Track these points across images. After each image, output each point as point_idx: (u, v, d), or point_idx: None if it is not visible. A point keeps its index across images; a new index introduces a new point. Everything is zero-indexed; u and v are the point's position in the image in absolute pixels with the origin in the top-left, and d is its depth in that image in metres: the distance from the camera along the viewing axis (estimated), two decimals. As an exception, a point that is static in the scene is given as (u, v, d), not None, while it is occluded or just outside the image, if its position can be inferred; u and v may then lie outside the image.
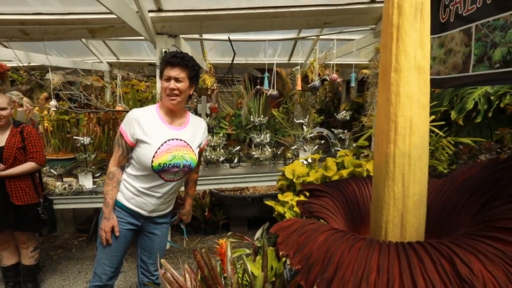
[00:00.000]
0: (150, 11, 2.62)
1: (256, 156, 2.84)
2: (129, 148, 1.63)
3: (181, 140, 1.66)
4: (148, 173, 1.62)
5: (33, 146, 2.26)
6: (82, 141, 2.75)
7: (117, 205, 1.73)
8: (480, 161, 1.23)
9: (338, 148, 2.88)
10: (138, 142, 1.60)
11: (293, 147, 2.90)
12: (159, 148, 1.59)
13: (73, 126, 3.15)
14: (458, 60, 1.86)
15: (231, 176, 2.75)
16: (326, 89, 4.94)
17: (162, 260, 1.56)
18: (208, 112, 4.87)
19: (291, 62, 5.14)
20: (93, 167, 2.84)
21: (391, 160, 1.02)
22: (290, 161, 2.92)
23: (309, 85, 3.10)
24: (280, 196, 2.21)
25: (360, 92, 5.70)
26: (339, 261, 0.77)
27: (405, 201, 1.00)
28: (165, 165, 1.59)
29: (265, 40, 4.28)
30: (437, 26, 2.06)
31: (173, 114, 1.67)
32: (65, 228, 3.46)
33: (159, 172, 1.61)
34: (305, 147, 2.80)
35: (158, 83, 2.85)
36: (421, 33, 0.99)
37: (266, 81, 3.02)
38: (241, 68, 5.29)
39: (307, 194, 1.40)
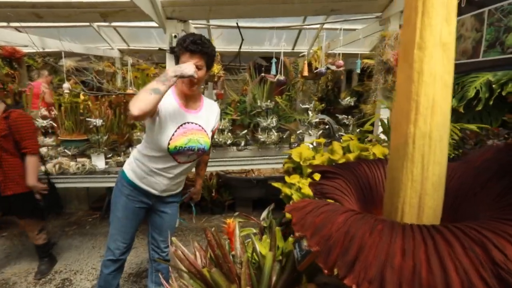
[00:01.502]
0: (160, -5, 2.48)
1: (263, 140, 2.76)
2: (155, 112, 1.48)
3: (196, 124, 1.58)
4: (162, 154, 1.55)
5: (22, 135, 2.01)
6: (94, 123, 2.67)
7: (129, 183, 1.67)
8: (496, 145, 1.14)
9: (342, 133, 2.79)
10: (156, 120, 1.50)
11: (298, 132, 2.81)
12: (175, 131, 1.51)
13: (86, 109, 3.06)
14: (468, 45, 1.74)
15: (238, 159, 2.68)
16: (328, 77, 4.80)
17: (173, 238, 1.50)
18: (215, 98, 4.77)
19: (295, 51, 5.00)
20: (105, 148, 2.78)
21: (410, 141, 0.92)
22: (295, 145, 2.83)
23: (315, 71, 2.98)
24: (287, 178, 2.13)
25: (360, 82, 5.54)
26: (361, 244, 0.69)
27: (423, 182, 0.91)
28: (180, 148, 1.52)
29: (272, 28, 4.14)
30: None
31: (188, 97, 1.59)
32: (79, 206, 3.42)
33: (174, 154, 1.54)
34: (310, 132, 2.71)
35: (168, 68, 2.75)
36: (448, 6, 0.88)
37: (273, 67, 2.91)
38: (246, 56, 5.14)
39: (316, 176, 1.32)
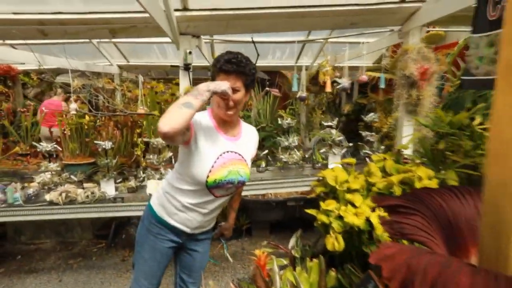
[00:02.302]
0: (176, 10, 2.32)
1: (284, 160, 2.60)
2: (188, 131, 1.29)
3: (236, 153, 1.41)
4: (199, 188, 1.36)
5: None
6: (103, 146, 2.45)
7: (158, 220, 1.46)
8: None
9: (366, 151, 2.66)
10: (193, 147, 1.32)
11: (321, 151, 2.67)
12: (215, 162, 1.33)
13: (92, 130, 2.85)
14: None
15: (260, 183, 2.50)
16: (334, 91, 4.72)
17: (210, 282, 1.31)
18: (207, 108, 4.63)
19: (298, 64, 4.92)
20: (114, 172, 2.55)
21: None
22: (319, 165, 2.68)
23: (338, 86, 2.87)
24: (322, 205, 1.96)
25: (361, 94, 5.49)
26: None
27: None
28: (220, 181, 1.34)
29: (276, 42, 4.05)
30: (485, 24, 1.83)
31: (227, 123, 1.42)
32: (82, 234, 3.13)
33: (212, 188, 1.36)
34: (334, 151, 2.56)
35: (182, 86, 2.57)
36: None
37: (295, 82, 2.78)
38: (250, 71, 5.03)
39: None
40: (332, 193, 2.20)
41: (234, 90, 1.29)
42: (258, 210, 2.96)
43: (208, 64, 3.93)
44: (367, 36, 3.51)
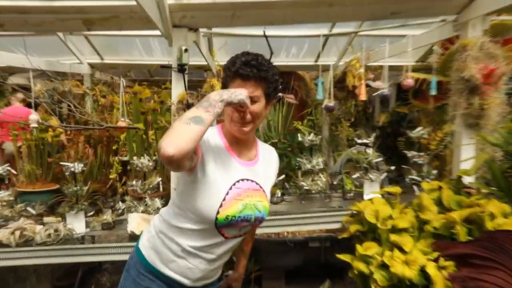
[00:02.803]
0: (169, -4, 2.37)
1: (306, 187, 2.58)
2: (194, 162, 1.29)
3: (252, 181, 1.42)
4: (205, 227, 1.35)
5: None
6: (72, 168, 2.45)
7: (149, 270, 1.44)
8: None
9: (413, 177, 2.63)
10: (198, 174, 1.31)
11: (354, 176, 2.65)
12: (227, 194, 1.32)
13: (56, 147, 2.86)
14: None
15: (275, 217, 2.47)
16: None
17: None
18: (215, 125, 4.63)
19: (317, 63, 4.96)
20: (85, 203, 2.54)
21: None
22: (351, 194, 2.66)
23: (375, 93, 2.88)
24: (359, 248, 1.92)
25: (401, 101, 5.52)
26: None
27: None
28: (233, 218, 1.33)
29: (292, 37, 4.09)
30: None
31: (241, 143, 1.43)
32: (37, 285, 3.07)
33: (222, 227, 1.34)
34: (371, 176, 2.54)
35: (175, 93, 2.59)
36: None
37: (320, 88, 2.79)
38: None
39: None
40: (371, 232, 2.17)
41: (252, 101, 1.29)
42: (270, 253, 2.92)
43: (205, 64, 3.98)
44: (409, 28, 3.53)
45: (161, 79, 5.34)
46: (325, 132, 4.87)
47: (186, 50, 2.52)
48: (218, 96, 1.20)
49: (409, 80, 2.73)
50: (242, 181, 1.38)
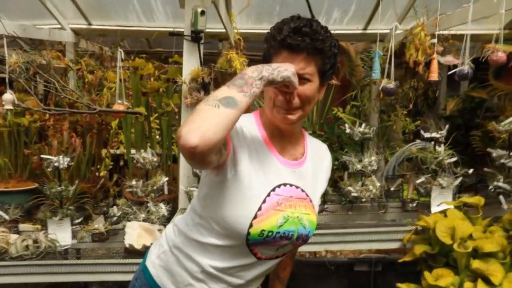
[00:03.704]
0: None
1: (354, 194, 2.57)
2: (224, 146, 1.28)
3: (297, 187, 1.41)
4: (233, 243, 1.35)
5: None
6: (56, 163, 2.50)
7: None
8: None
9: (500, 185, 2.57)
10: (228, 175, 1.31)
11: (419, 180, 2.62)
12: (264, 202, 1.32)
13: (35, 136, 2.92)
14: None
15: (314, 232, 2.47)
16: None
17: None
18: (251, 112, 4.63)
19: (367, 32, 4.90)
20: (71, 207, 2.59)
21: None
22: (414, 205, 2.63)
23: (452, 71, 2.83)
24: (428, 276, 1.91)
25: (476, 82, 5.38)
26: None
27: None
28: (270, 234, 1.32)
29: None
30: None
31: (285, 136, 1.43)
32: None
33: (255, 244, 1.35)
34: (441, 181, 2.51)
35: (187, 68, 2.60)
36: None
37: (377, 64, 2.76)
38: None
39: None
40: (443, 255, 2.16)
41: (302, 79, 1.28)
42: (306, 277, 2.92)
43: (223, 31, 3.97)
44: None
45: (164, 51, 5.36)
46: (373, 122, 4.80)
47: (203, 13, 2.54)
48: (256, 73, 1.18)
49: (500, 54, 2.66)
50: (284, 187, 1.38)
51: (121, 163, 4.24)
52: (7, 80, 2.72)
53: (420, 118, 5.14)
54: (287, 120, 1.33)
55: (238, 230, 1.31)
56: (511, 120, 2.72)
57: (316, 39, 1.26)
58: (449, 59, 3.62)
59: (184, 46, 2.63)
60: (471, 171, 2.70)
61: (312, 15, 2.68)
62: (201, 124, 1.05)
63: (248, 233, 1.30)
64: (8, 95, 2.58)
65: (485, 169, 2.77)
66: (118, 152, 4.10)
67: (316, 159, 1.52)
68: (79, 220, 2.69)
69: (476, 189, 2.93)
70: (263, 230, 1.31)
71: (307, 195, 1.44)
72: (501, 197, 2.58)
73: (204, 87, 2.63)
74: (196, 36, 2.57)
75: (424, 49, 3.61)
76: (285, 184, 1.38)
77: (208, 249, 1.38)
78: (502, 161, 2.65)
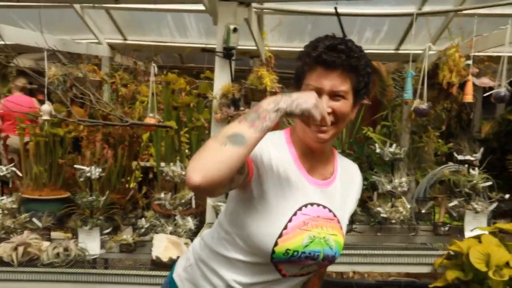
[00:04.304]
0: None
1: (384, 215, 2.52)
2: (243, 169, 1.26)
3: (325, 207, 1.38)
4: (257, 260, 1.33)
5: None
6: (88, 173, 2.54)
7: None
8: None
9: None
10: (254, 193, 1.31)
11: (451, 204, 2.56)
12: (290, 221, 1.30)
13: (69, 147, 2.99)
14: None
15: (341, 252, 2.44)
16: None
17: None
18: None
19: (399, 52, 4.87)
20: (101, 217, 2.64)
21: None
22: (446, 229, 2.56)
23: (488, 93, 2.78)
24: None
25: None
26: None
27: None
28: (295, 254, 1.30)
29: (363, 15, 4.03)
30: None
31: (315, 155, 1.40)
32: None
33: (280, 262, 1.33)
34: (475, 206, 2.44)
35: (218, 84, 2.62)
36: None
37: (409, 84, 2.73)
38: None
39: None
40: (477, 283, 2.09)
41: (337, 96, 1.27)
42: (331, 300, 2.87)
43: (255, 48, 4.00)
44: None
45: (195, 67, 5.44)
46: (404, 142, 4.73)
47: (235, 30, 2.56)
48: (272, 105, 1.14)
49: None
50: (311, 206, 1.36)
51: (150, 175, 4.30)
52: (45, 92, 2.81)
53: (453, 140, 5.04)
54: (320, 139, 1.31)
55: (263, 248, 1.29)
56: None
57: (351, 56, 1.26)
58: (484, 81, 3.56)
59: (216, 62, 2.67)
60: (507, 196, 2.62)
61: (344, 34, 2.67)
62: (205, 163, 1.06)
63: (273, 252, 1.29)
64: (46, 106, 2.67)
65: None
66: (148, 164, 4.15)
67: (346, 179, 1.50)
68: (108, 230, 2.70)
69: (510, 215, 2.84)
70: (288, 249, 1.29)
71: (334, 216, 1.41)
72: (539, 225, 2.50)
73: (234, 103, 2.65)
74: (228, 53, 2.60)
75: (458, 70, 3.56)
76: (312, 204, 1.36)
77: (233, 263, 1.37)
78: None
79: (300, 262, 1.33)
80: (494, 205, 2.53)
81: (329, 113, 1.27)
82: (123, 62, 5.22)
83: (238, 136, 1.10)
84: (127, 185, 3.15)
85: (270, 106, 1.15)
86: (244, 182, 1.26)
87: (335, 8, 2.86)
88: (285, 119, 1.51)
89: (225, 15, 2.65)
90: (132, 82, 4.67)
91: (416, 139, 4.79)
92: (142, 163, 3.95)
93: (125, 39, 4.84)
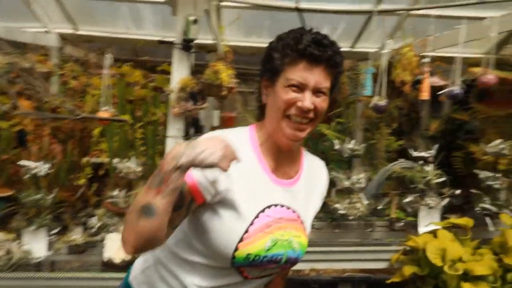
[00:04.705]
0: None
1: (342, 211, 2.51)
2: (189, 203, 1.24)
3: (288, 207, 1.36)
4: (219, 265, 1.30)
5: None
6: (34, 170, 2.40)
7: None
8: None
9: (485, 206, 2.56)
10: (217, 205, 1.26)
11: (407, 200, 2.59)
12: (251, 224, 1.27)
13: (12, 142, 2.81)
14: None
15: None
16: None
17: None
18: (217, 124, 4.53)
19: (355, 50, 4.90)
20: (48, 217, 2.51)
21: None
22: (401, 224, 2.59)
23: (440, 92, 2.83)
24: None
25: (460, 104, 5.42)
26: None
27: None
28: (257, 258, 1.28)
29: (323, 12, 4.01)
30: None
31: (282, 153, 1.36)
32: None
33: (242, 266, 1.30)
34: (429, 201, 2.48)
35: (177, 77, 2.54)
36: None
37: (368, 81, 2.72)
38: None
39: None
40: (432, 277, 2.10)
41: (319, 92, 1.24)
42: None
43: (212, 42, 3.90)
44: (488, 7, 3.44)
45: (150, 60, 5.27)
46: (357, 139, 4.78)
47: (195, 21, 2.52)
48: (173, 163, 1.04)
49: (490, 77, 2.65)
50: (275, 207, 1.33)
51: (101, 172, 4.13)
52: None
53: (404, 137, 5.15)
54: (296, 137, 1.28)
55: (222, 253, 1.26)
56: (497, 142, 2.72)
57: (335, 51, 1.24)
58: (435, 80, 3.62)
59: (174, 54, 2.59)
60: (458, 191, 2.68)
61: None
62: (129, 236, 1.10)
63: (234, 257, 1.26)
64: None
65: (472, 190, 2.77)
66: (100, 160, 3.99)
67: (311, 177, 1.47)
68: (56, 230, 2.61)
69: (462, 210, 2.91)
70: (249, 254, 1.26)
71: (298, 216, 1.39)
72: (488, 219, 2.57)
73: (193, 97, 2.56)
74: (187, 45, 2.54)
75: (411, 69, 3.62)
76: (275, 205, 1.33)
77: (193, 266, 1.33)
78: (489, 182, 2.64)
79: (262, 265, 1.31)
80: (447, 200, 2.58)
81: (310, 110, 1.24)
82: (73, 54, 4.98)
83: (148, 207, 1.08)
84: (76, 181, 2.99)
85: (170, 165, 1.05)
86: (193, 207, 1.23)
87: (296, 5, 2.82)
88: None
89: (185, 6, 2.60)
90: (83, 74, 4.48)
91: (369, 136, 4.86)
92: (94, 160, 3.79)
93: (77, 29, 4.60)
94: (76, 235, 2.51)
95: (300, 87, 1.23)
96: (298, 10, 2.76)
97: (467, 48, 4.22)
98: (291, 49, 1.23)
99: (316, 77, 1.22)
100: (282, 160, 1.37)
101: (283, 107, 1.25)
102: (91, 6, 4.31)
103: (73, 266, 2.40)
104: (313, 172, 1.49)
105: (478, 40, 3.42)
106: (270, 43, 1.32)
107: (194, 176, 1.20)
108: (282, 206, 1.35)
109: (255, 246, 1.26)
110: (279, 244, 1.31)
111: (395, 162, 3.75)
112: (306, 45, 1.20)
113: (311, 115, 1.24)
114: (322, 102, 1.25)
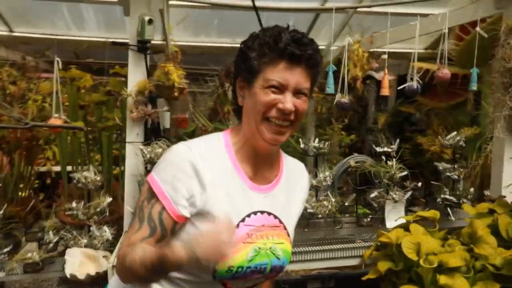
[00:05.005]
0: None
1: (311, 210, 2.50)
2: (172, 228, 1.21)
3: (270, 213, 1.32)
4: (201, 280, 1.25)
5: None
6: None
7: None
8: None
9: (447, 197, 2.63)
10: (195, 218, 1.22)
11: (372, 195, 2.61)
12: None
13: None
14: None
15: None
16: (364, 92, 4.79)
17: None
18: (167, 126, 4.41)
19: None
20: (-2, 234, 2.32)
21: None
22: (368, 220, 2.61)
23: (401, 87, 2.88)
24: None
25: (405, 98, 5.63)
26: None
27: None
28: (240, 270, 1.23)
29: (269, 9, 4.01)
30: None
31: (260, 158, 1.32)
32: None
33: (225, 279, 1.26)
34: (393, 195, 2.51)
35: (133, 80, 2.41)
36: None
37: (330, 79, 2.72)
38: (223, 55, 4.95)
39: None
40: (406, 271, 2.12)
41: (299, 93, 1.21)
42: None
43: (159, 42, 3.78)
44: (427, 4, 3.55)
45: (95, 62, 5.05)
46: (310, 136, 4.85)
47: (150, 21, 2.43)
48: (176, 260, 1.07)
49: (445, 71, 2.72)
50: (255, 215, 1.29)
51: (48, 181, 3.88)
52: None
53: (354, 132, 5.27)
54: (276, 141, 1.24)
55: (202, 268, 1.16)
56: (454, 135, 2.80)
57: (316, 50, 1.22)
58: (382, 75, 3.72)
59: (130, 56, 2.47)
60: (419, 184, 2.74)
61: (261, 27, 2.59)
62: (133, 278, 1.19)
63: (215, 271, 1.20)
64: None
65: (432, 182, 2.85)
66: (44, 169, 3.76)
67: (291, 180, 1.43)
68: (8, 249, 2.40)
69: (425, 202, 2.99)
70: (231, 266, 1.21)
71: (280, 222, 1.34)
72: (449, 209, 2.64)
73: (152, 100, 2.46)
74: (142, 46, 2.43)
75: (361, 65, 3.69)
76: (255, 213, 1.29)
77: (174, 282, 1.27)
78: (448, 174, 2.73)
79: (246, 276, 1.27)
80: (409, 193, 2.64)
81: (291, 112, 1.20)
82: (8, 57, 4.67)
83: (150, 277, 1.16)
84: (20, 194, 2.79)
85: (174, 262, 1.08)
86: (178, 227, 1.22)
87: (253, 2, 2.77)
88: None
89: (138, 5, 2.48)
90: (21, 79, 4.21)
91: (321, 132, 4.92)
92: (36, 168, 3.57)
93: (11, 31, 4.31)
94: (31, 252, 2.30)
95: (280, 88, 1.19)
96: (256, 8, 2.71)
97: (408, 44, 4.39)
98: (270, 48, 1.19)
99: (297, 77, 1.19)
100: (260, 164, 1.33)
101: (262, 109, 1.20)
102: (26, 6, 4.06)
103: (30, 287, 2.22)
104: (294, 175, 1.45)
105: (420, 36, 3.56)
106: (245, 42, 1.27)
107: (171, 201, 1.18)
108: (263, 212, 1.31)
109: (236, 258, 1.22)
110: (262, 253, 1.27)
111: (350, 157, 3.82)
112: (286, 44, 1.17)
113: (292, 117, 1.21)
114: (303, 103, 1.22)
